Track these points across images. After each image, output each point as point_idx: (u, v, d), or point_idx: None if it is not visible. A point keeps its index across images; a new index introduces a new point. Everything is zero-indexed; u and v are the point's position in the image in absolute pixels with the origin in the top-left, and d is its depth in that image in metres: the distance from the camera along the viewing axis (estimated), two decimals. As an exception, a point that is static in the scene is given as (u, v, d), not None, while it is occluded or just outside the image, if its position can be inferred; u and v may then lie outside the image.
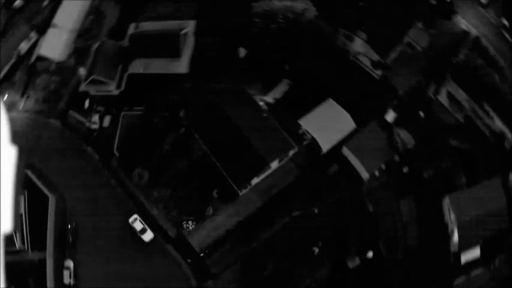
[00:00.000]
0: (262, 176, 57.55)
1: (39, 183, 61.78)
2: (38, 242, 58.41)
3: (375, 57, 60.79)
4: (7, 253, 54.09)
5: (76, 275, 56.35)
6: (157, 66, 64.32)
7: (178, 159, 58.83)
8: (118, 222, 58.36)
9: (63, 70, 68.56)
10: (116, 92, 65.36)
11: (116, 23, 70.82)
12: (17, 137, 64.92)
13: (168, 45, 64.19)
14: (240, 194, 57.21)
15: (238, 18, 65.27)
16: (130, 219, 57.79)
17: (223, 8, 67.20)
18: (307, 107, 58.82)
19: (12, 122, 64.65)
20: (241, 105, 59.54)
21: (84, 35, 69.73)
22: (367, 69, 61.78)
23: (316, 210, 55.27)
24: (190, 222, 56.42)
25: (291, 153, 58.24)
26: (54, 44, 67.96)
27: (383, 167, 56.43)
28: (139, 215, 57.91)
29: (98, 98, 65.45)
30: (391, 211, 55.29)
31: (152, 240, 57.33)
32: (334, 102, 58.97)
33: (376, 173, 56.53)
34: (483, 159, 56.98)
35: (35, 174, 62.18)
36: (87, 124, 64.42)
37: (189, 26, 67.12)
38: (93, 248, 58.03)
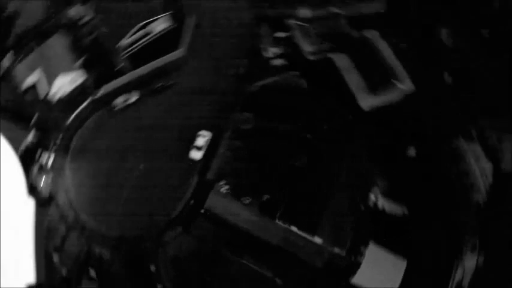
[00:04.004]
0: (301, 233, 59.10)
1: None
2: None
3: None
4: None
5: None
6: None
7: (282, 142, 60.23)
8: (194, 122, 59.04)
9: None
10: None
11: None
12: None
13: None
14: (275, 221, 59.07)
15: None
16: (201, 132, 60.38)
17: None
18: (388, 244, 59.45)
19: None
20: (354, 183, 60.37)
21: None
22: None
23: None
24: (225, 187, 58.70)
25: (336, 251, 58.92)
26: None
27: None
28: (211, 139, 58.85)
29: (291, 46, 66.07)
30: None
31: (192, 160, 58.71)
32: (404, 265, 59.07)
33: None
34: None
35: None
36: (268, 49, 66.37)
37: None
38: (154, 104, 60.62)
